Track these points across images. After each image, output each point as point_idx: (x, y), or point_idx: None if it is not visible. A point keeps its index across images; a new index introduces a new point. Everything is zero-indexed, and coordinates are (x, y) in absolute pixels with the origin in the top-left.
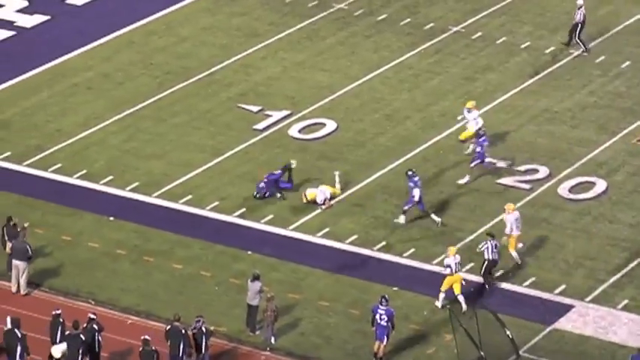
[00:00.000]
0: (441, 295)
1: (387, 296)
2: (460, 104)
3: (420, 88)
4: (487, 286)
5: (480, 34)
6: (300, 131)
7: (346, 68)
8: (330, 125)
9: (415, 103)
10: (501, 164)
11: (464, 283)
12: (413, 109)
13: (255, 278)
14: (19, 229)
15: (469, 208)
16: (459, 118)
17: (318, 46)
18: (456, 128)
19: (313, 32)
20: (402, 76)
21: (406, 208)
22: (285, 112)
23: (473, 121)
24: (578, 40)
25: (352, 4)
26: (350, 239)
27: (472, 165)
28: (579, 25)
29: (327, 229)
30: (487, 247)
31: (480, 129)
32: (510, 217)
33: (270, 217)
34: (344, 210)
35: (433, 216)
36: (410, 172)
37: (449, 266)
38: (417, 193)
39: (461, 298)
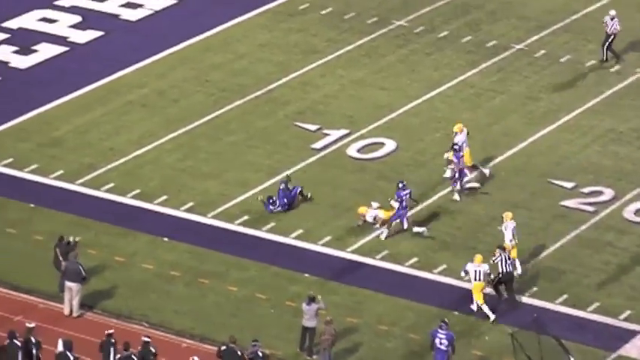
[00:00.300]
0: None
1: (446, 320)
2: (524, 124)
3: (482, 107)
4: (500, 298)
5: (543, 52)
6: (358, 151)
7: (406, 86)
8: (390, 145)
9: (476, 122)
10: (473, 184)
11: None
12: (474, 129)
13: (311, 300)
14: (70, 244)
15: (532, 231)
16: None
17: (377, 63)
18: (520, 148)
19: (372, 49)
20: (463, 95)
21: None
22: (343, 131)
23: (462, 142)
24: (608, 51)
25: (413, 20)
26: (410, 262)
27: (456, 185)
28: (612, 36)
29: (386, 252)
30: (500, 260)
31: (456, 145)
32: (510, 224)
33: (328, 239)
34: (404, 232)
35: (416, 228)
36: (400, 185)
37: (467, 272)
38: (396, 205)
39: (485, 308)
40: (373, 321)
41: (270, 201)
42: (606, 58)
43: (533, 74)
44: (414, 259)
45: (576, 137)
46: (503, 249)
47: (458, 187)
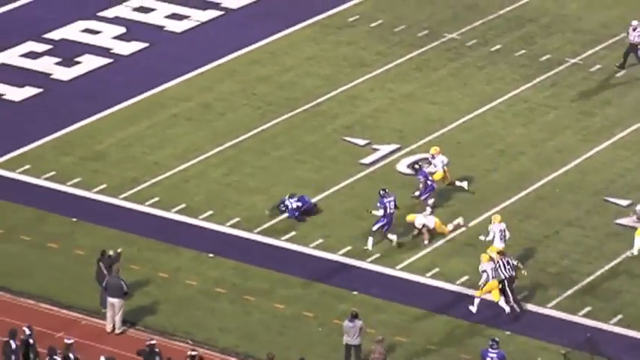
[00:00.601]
0: (476, 301)
1: (497, 339)
2: (578, 140)
3: (535, 122)
4: (507, 306)
5: (598, 66)
6: (408, 166)
7: (457, 101)
8: (440, 160)
9: (530, 138)
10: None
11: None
12: (527, 145)
13: (354, 317)
14: (112, 256)
15: (585, 249)
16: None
17: (428, 77)
18: (574, 165)
19: (423, 63)
20: (516, 110)
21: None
22: (393, 146)
23: (440, 164)
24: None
25: (465, 33)
26: (460, 280)
27: (427, 200)
28: (635, 46)
29: (436, 269)
30: (500, 266)
31: (417, 165)
32: (496, 227)
33: (377, 256)
34: (454, 249)
35: (389, 235)
36: (382, 192)
37: (485, 271)
38: (379, 213)
39: (502, 303)
40: (422, 340)
41: (283, 207)
42: (623, 66)
43: (587, 89)
44: (465, 278)
45: (632, 154)
46: (502, 254)
47: (429, 203)
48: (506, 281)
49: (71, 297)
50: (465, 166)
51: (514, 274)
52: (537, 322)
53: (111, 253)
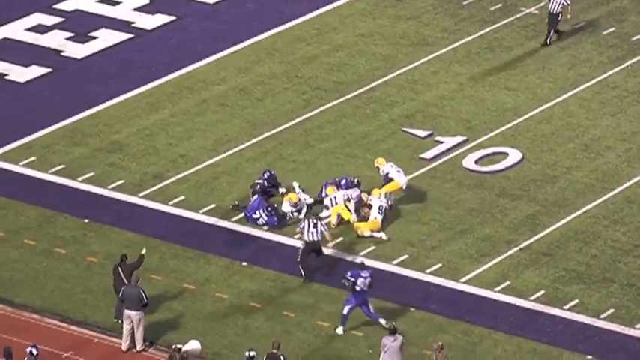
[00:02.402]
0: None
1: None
2: None
3: (625, 112)
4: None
5: None
6: (477, 162)
7: (535, 87)
8: (514, 156)
9: (619, 130)
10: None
11: None
12: (616, 139)
13: (393, 332)
14: (135, 260)
15: None
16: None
17: (501, 58)
18: None
19: (496, 42)
20: (603, 98)
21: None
22: (459, 139)
23: (396, 173)
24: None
25: (544, 8)
26: (535, 295)
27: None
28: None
29: (507, 283)
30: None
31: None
32: (376, 200)
33: (438, 266)
34: (529, 259)
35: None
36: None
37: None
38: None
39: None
40: None
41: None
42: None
43: None
44: (541, 292)
45: None
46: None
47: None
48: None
49: (82, 311)
50: (544, 162)
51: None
52: (625, 344)
53: (140, 252)
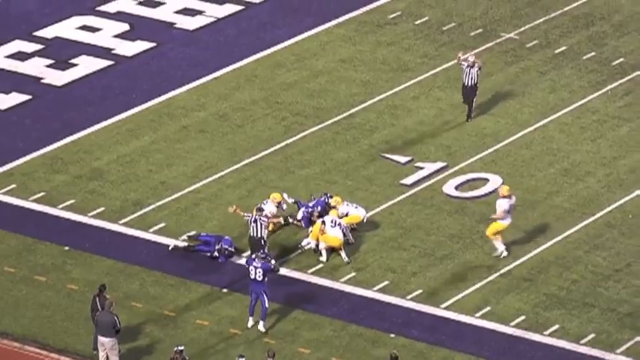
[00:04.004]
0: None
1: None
2: None
3: (606, 137)
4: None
5: None
6: (457, 188)
7: (515, 112)
8: (495, 181)
9: (599, 155)
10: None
11: None
12: (596, 163)
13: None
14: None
15: None
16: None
17: (481, 84)
18: None
19: None
20: (583, 123)
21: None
22: (439, 165)
23: (354, 209)
24: None
25: (524, 33)
26: (516, 321)
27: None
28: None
29: (487, 309)
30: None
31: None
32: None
33: (419, 292)
34: (510, 285)
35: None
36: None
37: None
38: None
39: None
40: None
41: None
42: None
43: None
44: (521, 318)
45: None
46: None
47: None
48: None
49: (62, 339)
50: (524, 187)
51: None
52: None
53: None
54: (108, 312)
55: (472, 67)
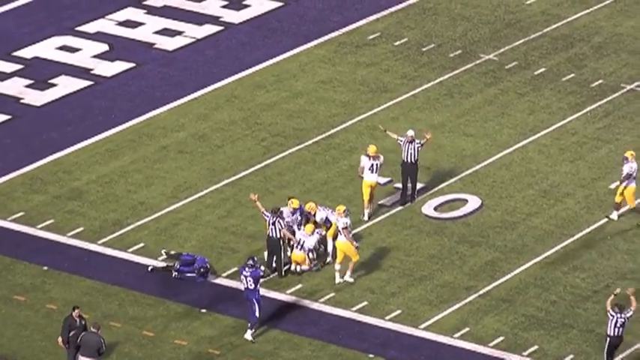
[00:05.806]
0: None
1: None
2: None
3: (585, 158)
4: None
5: None
6: (436, 209)
7: (495, 133)
8: (474, 202)
9: (578, 177)
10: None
11: None
12: (575, 185)
13: None
14: (84, 323)
15: None
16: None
17: (460, 105)
18: (628, 209)
19: (455, 88)
20: (562, 144)
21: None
22: (418, 186)
23: (332, 214)
24: None
25: (503, 54)
26: (495, 342)
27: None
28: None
29: (466, 329)
30: (612, 321)
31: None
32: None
33: (398, 312)
34: (488, 306)
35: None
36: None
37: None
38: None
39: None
40: None
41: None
42: None
43: None
44: (500, 339)
45: None
46: (621, 308)
47: None
48: (610, 339)
49: (41, 359)
50: (503, 208)
51: (621, 334)
52: None
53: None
54: (95, 333)
55: (411, 142)
